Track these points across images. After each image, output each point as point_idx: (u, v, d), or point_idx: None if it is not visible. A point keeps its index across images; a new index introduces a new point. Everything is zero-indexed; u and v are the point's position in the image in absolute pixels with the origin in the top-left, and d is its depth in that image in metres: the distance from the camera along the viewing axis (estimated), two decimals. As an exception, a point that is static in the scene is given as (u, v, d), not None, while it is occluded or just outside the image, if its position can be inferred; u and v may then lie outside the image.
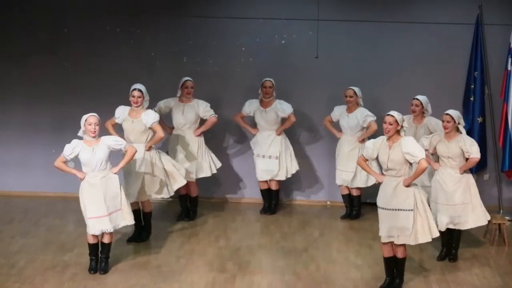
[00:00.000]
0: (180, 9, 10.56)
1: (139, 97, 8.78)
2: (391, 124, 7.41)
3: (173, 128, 9.85)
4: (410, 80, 10.42)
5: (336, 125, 10.09)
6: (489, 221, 9.10)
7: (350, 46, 10.55)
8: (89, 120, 7.77)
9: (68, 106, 10.59)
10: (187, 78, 9.73)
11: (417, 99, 9.30)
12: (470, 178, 8.42)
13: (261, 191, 10.35)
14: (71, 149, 7.78)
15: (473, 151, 8.25)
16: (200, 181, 9.95)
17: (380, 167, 8.01)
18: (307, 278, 7.96)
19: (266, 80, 10.01)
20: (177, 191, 9.38)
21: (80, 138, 7.89)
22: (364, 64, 10.52)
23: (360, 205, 10.14)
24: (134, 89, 8.80)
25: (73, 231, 9.29)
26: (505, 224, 9.18)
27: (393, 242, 7.53)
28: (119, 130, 8.94)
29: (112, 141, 7.95)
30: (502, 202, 10.50)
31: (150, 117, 8.79)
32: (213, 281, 7.81)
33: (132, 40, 10.63)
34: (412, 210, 7.41)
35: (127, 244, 8.88)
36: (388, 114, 7.45)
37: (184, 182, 9.15)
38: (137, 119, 8.79)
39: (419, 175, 7.42)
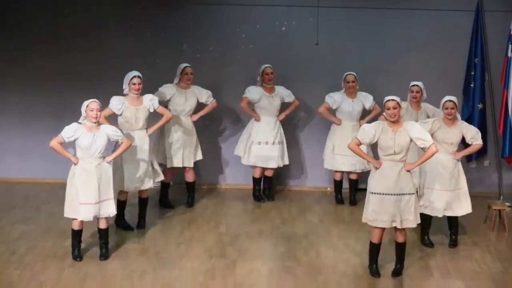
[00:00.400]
0: (180, -5, 10.55)
1: (140, 83, 8.75)
2: (395, 108, 7.40)
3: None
4: (410, 67, 10.39)
5: (332, 112, 10.03)
6: (489, 207, 9.14)
7: (350, 33, 10.53)
8: (91, 106, 7.75)
9: (67, 94, 10.55)
10: (186, 64, 9.67)
11: (417, 85, 9.26)
12: (460, 165, 8.47)
13: (256, 179, 10.21)
14: (72, 131, 7.73)
15: (479, 137, 8.32)
16: (201, 167, 9.92)
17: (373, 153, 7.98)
18: (307, 264, 7.96)
19: (267, 67, 9.98)
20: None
21: (79, 124, 7.85)
22: (365, 51, 10.49)
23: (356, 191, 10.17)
24: (134, 76, 8.74)
25: (73, 218, 9.29)
26: (505, 210, 9.19)
27: (395, 227, 7.52)
28: (112, 122, 8.78)
29: (112, 131, 7.95)
30: (502, 188, 10.52)
31: (154, 101, 8.82)
32: (213, 267, 7.81)
33: (132, 27, 10.60)
34: (414, 193, 7.49)
35: (126, 231, 8.85)
36: (390, 99, 7.43)
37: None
38: (142, 106, 8.78)
39: (427, 160, 7.54)
